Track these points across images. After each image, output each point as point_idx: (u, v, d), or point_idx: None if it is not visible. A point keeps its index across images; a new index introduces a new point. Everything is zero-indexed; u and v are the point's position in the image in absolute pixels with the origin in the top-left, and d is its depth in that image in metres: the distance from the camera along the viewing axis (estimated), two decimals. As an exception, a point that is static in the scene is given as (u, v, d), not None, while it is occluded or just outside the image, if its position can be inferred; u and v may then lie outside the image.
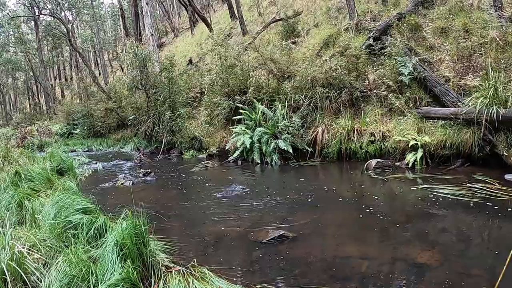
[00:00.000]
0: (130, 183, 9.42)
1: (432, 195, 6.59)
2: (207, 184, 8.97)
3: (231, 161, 11.15)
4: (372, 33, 11.17)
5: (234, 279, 4.29)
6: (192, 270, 4.10)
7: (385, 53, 10.35)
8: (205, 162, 11.28)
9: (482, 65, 9.14)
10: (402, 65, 9.59)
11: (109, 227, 4.84)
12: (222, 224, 6.14)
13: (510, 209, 5.71)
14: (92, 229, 4.78)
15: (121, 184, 9.41)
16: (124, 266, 3.84)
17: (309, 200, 7.06)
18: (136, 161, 12.80)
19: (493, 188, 6.55)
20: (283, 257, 4.85)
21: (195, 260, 4.30)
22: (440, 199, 6.41)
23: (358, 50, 10.49)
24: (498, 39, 9.30)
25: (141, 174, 10.28)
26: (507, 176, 7.07)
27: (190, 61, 17.41)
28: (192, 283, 3.82)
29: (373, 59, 10.87)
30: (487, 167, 7.73)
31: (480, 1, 10.96)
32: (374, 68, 10.72)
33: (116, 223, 4.68)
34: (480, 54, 9.48)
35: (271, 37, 14.81)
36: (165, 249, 4.83)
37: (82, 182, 9.73)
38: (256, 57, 12.68)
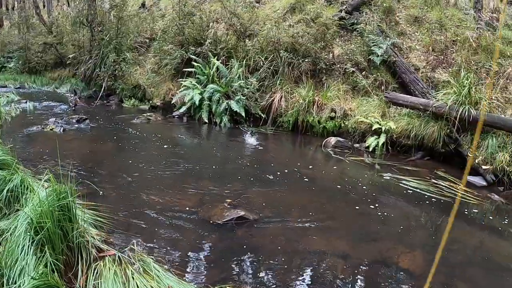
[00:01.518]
0: (61, 130, 8.12)
1: (398, 186, 6.06)
2: (148, 140, 7.81)
3: (176, 116, 9.92)
4: (345, 6, 10.24)
5: (186, 274, 3.31)
6: (130, 256, 3.06)
7: (357, 29, 9.49)
8: (148, 114, 9.95)
9: (453, 62, 8.75)
10: (375, 45, 8.78)
11: (28, 188, 3.63)
12: (165, 194, 5.09)
13: (476, 212, 5.39)
14: (4, 190, 3.52)
15: (51, 129, 8.08)
16: (41, 259, 2.64)
17: (268, 175, 6.14)
18: (71, 104, 11.16)
19: (458, 188, 6.14)
20: (245, 246, 3.93)
21: (134, 242, 3.30)
22: (410, 191, 5.90)
23: (330, 21, 9.51)
24: (472, 40, 8.89)
25: (74, 120, 8.91)
26: (469, 178, 6.67)
27: (143, 5, 15.72)
28: (132, 277, 2.75)
29: (342, 32, 10.00)
30: (448, 164, 7.26)
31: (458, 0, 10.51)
32: (340, 43, 9.85)
33: (38, 182, 3.50)
34: (452, 51, 9.06)
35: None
36: (96, 222, 3.71)
37: (7, 123, 8.38)
38: (215, 10, 11.40)
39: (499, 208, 5.73)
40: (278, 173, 6.23)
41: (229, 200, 4.98)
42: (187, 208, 4.72)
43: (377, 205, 5.30)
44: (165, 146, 7.28)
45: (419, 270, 3.75)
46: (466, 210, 5.45)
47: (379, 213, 5.03)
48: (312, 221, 4.65)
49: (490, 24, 9.39)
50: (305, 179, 6.09)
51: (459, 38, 9.18)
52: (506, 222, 5.22)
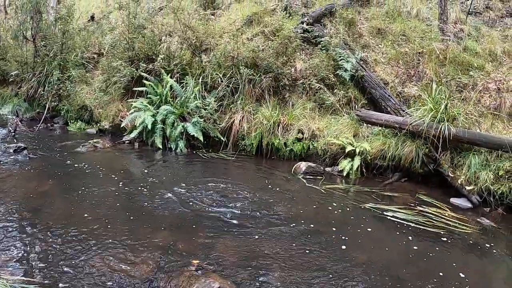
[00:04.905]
0: (-8, 164, 6.58)
1: (385, 219, 5.21)
2: (94, 176, 6.34)
3: (126, 142, 8.45)
4: (306, 18, 9.14)
5: None
6: None
7: (321, 42, 8.40)
8: (95, 140, 8.30)
9: (422, 75, 8.03)
10: (342, 59, 7.70)
11: None
12: (113, 256, 3.85)
13: (473, 242, 4.76)
14: None
15: (-19, 162, 6.55)
16: None
17: (237, 218, 4.96)
18: (10, 128, 9.37)
19: (446, 214, 5.45)
20: None
21: None
22: (399, 225, 5.05)
23: (293, 34, 8.35)
24: (438, 52, 8.19)
25: (11, 150, 7.33)
26: (453, 200, 6.01)
27: (92, 18, 14.08)
28: None
29: (304, 46, 8.91)
30: (427, 185, 6.52)
31: (419, 11, 9.74)
32: (302, 57, 8.73)
33: None
34: (418, 63, 8.32)
35: (186, 5, 12.08)
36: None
37: None
38: (168, 22, 10.03)
39: (493, 234, 5.08)
40: (248, 213, 5.09)
41: (196, 262, 3.79)
42: (142, 277, 3.51)
43: (370, 246, 4.37)
44: (114, 184, 5.93)
45: None
46: (462, 242, 4.76)
47: (374, 260, 4.11)
48: (298, 282, 3.63)
49: (456, 35, 8.56)
50: (281, 220, 4.97)
51: (424, 50, 8.43)
52: (503, 252, 4.60)
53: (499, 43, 8.62)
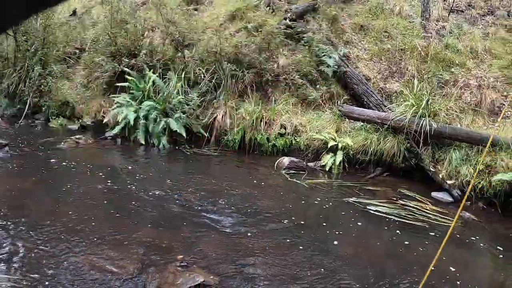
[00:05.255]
0: (-27, 162, 6.37)
1: (368, 213, 5.19)
2: (77, 173, 6.19)
3: (109, 138, 8.27)
4: (289, 14, 9.04)
5: None
6: None
7: (304, 38, 8.34)
8: (77, 136, 8.11)
9: (404, 71, 8.06)
10: (325, 55, 7.67)
11: None
12: (97, 253, 3.75)
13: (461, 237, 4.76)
14: None
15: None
16: None
17: (220, 213, 4.89)
18: (-10, 125, 9.17)
19: (427, 208, 5.46)
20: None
21: None
22: (382, 219, 5.06)
23: (276, 29, 8.28)
24: (420, 49, 8.26)
25: (-8, 147, 7.10)
26: (434, 194, 6.03)
27: (74, 12, 13.82)
28: None
29: (287, 42, 8.82)
30: (409, 179, 6.53)
31: (402, 8, 9.72)
32: (285, 53, 8.66)
33: None
34: (400, 59, 8.34)
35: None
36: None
37: None
38: (151, 17, 9.90)
39: (475, 228, 5.12)
40: (232, 208, 5.03)
41: (180, 257, 3.73)
42: (126, 273, 3.44)
43: (356, 240, 4.41)
44: (97, 180, 5.81)
45: None
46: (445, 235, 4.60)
47: (360, 255, 4.14)
48: (281, 275, 3.59)
49: (438, 32, 8.59)
50: (266, 215, 4.91)
51: (407, 47, 8.46)
52: (487, 245, 4.64)
53: (481, 41, 8.68)
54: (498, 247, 4.57)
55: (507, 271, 4.20)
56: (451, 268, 3.96)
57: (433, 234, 4.76)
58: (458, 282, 3.75)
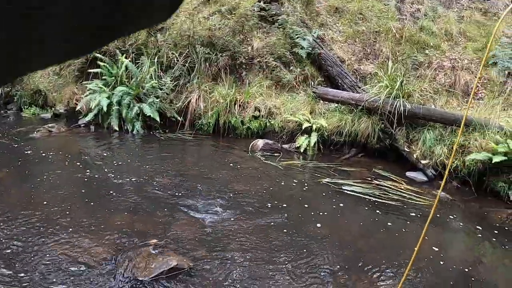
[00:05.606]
0: None
1: (343, 193, 5.16)
2: (51, 161, 5.97)
3: (82, 125, 8.04)
4: (263, -4, 8.90)
5: None
6: None
7: (278, 21, 8.21)
8: (50, 125, 7.86)
9: (379, 53, 7.99)
10: (299, 37, 7.56)
11: None
12: (73, 238, 3.68)
13: (439, 216, 4.72)
14: None
15: None
16: None
17: (194, 197, 4.78)
18: (-39, 117, 8.84)
19: (402, 187, 5.44)
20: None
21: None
22: (359, 199, 5.04)
23: (250, 12, 8.14)
24: (395, 31, 8.19)
25: (-37, 138, 6.79)
26: (408, 174, 6.02)
27: None
28: None
29: (261, 24, 8.69)
30: (383, 159, 6.49)
31: None
32: (259, 35, 8.53)
33: None
34: (374, 41, 8.27)
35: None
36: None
37: None
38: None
39: (450, 206, 5.13)
40: (208, 192, 4.92)
41: (154, 241, 3.66)
42: (100, 260, 3.35)
43: (334, 220, 4.33)
44: (71, 169, 5.61)
45: None
46: (420, 213, 4.74)
47: (336, 235, 4.09)
48: (258, 258, 3.52)
49: (413, 15, 8.56)
50: (241, 197, 4.83)
51: (381, 29, 8.39)
52: (464, 223, 4.66)
53: (455, 24, 8.67)
54: (475, 225, 4.59)
55: (486, 249, 4.24)
56: (434, 248, 3.94)
57: (413, 214, 4.74)
58: (442, 262, 3.72)
